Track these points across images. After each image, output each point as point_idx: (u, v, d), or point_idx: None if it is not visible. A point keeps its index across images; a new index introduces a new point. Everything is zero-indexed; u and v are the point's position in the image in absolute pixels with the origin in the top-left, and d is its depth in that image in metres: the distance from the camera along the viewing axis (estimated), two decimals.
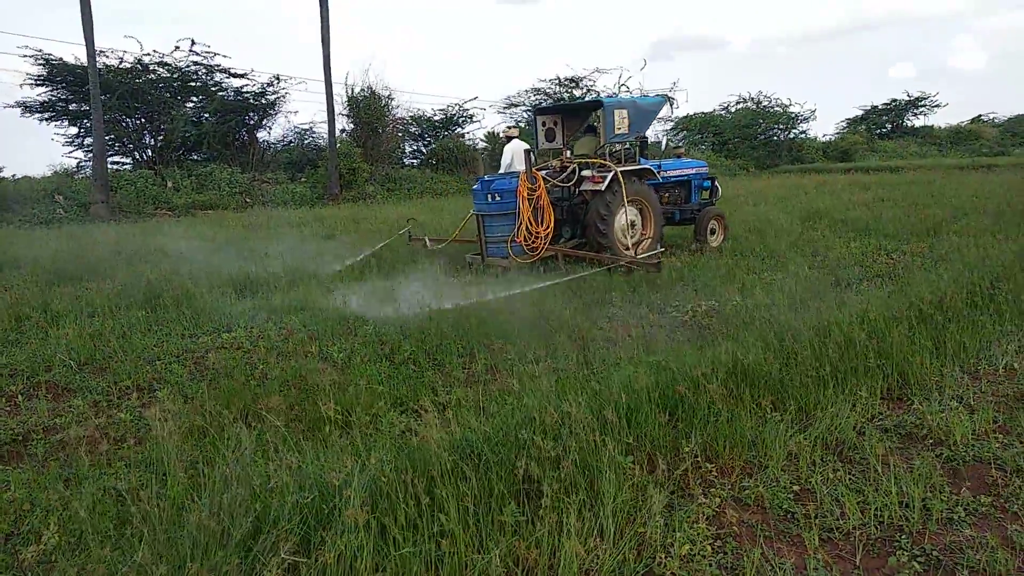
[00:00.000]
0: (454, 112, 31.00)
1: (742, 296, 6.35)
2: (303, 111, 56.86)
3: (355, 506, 2.43)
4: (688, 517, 2.83)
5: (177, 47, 23.90)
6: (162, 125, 23.91)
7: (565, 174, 9.14)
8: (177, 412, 4.13)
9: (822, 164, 32.83)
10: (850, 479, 3.14)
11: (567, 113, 10.35)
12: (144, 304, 7.22)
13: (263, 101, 26.70)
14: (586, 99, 9.78)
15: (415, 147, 31.32)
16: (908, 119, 43.71)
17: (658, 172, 9.80)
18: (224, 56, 25.76)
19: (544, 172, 9.10)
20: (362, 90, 26.21)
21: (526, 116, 32.01)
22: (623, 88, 29.89)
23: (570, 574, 2.43)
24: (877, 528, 2.78)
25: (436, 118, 30.75)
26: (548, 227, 8.55)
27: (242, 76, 25.83)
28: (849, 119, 44.38)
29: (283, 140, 28.85)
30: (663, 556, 2.58)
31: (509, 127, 10.83)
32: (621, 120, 9.09)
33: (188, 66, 24.40)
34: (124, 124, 24.13)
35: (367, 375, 4.58)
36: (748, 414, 3.56)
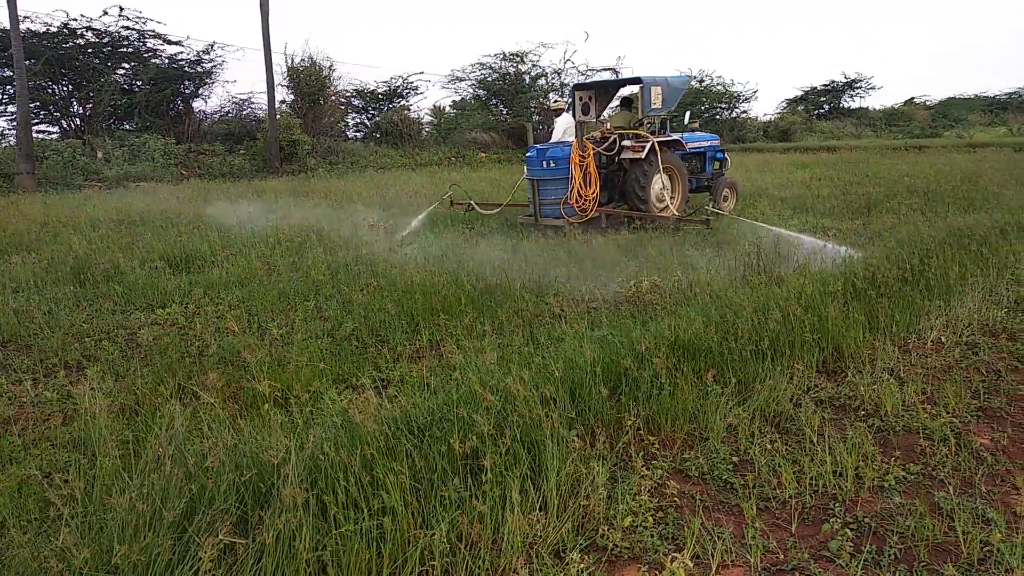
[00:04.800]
0: (398, 85, 30.46)
1: (684, 272, 6.43)
2: (241, 81, 55.26)
3: (293, 484, 2.38)
4: (630, 489, 2.86)
5: (106, 12, 22.83)
6: (91, 93, 22.84)
7: (607, 143, 9.97)
8: (107, 390, 3.98)
9: (763, 143, 33.46)
10: (787, 450, 3.22)
11: (599, 89, 10.93)
12: (72, 279, 6.92)
13: (199, 69, 25.72)
14: (625, 77, 10.91)
15: (358, 120, 30.70)
16: (845, 100, 44.84)
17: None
18: (158, 22, 24.77)
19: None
20: (302, 60, 25.53)
21: (471, 90, 31.70)
22: (568, 62, 29.82)
23: (514, 548, 2.43)
24: (812, 497, 2.86)
25: (380, 91, 30.17)
26: (595, 191, 9.49)
27: (177, 43, 24.86)
28: (789, 99, 45.24)
29: (220, 110, 27.87)
30: (606, 528, 2.60)
31: (556, 101, 11.71)
32: (656, 96, 9.95)
33: (118, 31, 23.31)
34: (50, 91, 22.98)
35: (307, 351, 4.48)
36: (690, 387, 3.61)
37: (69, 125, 23.61)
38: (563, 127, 10.95)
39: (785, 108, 44.23)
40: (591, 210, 9.53)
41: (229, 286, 6.63)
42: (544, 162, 9.71)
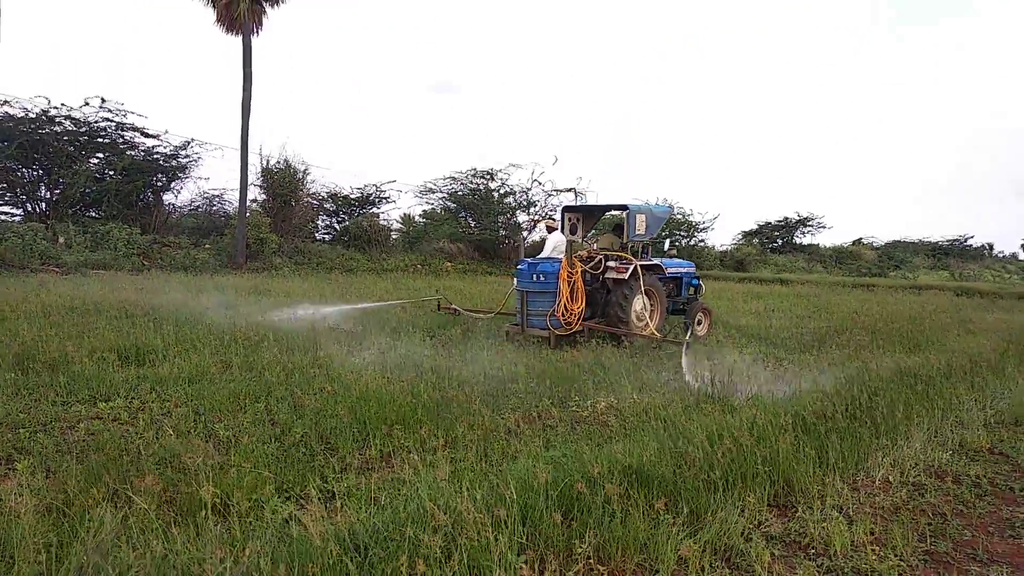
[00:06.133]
0: (371, 192, 31.14)
1: (640, 394, 6.47)
2: (215, 177, 55.74)
3: None
4: None
5: (87, 103, 23.17)
6: (61, 179, 22.86)
7: (593, 263, 10.63)
8: (36, 487, 3.79)
9: (719, 271, 34.56)
10: None
11: (586, 212, 12.00)
12: (15, 366, 6.69)
13: (174, 163, 26.04)
14: (611, 203, 12.47)
15: (328, 223, 31.09)
16: (797, 236, 46.96)
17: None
18: (139, 115, 25.04)
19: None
20: (278, 162, 26.05)
21: (441, 202, 32.49)
22: (535, 183, 30.86)
23: None
24: None
25: (353, 196, 30.78)
26: (580, 306, 10.09)
27: (155, 136, 25.19)
28: (745, 232, 47.23)
29: (191, 204, 28.08)
30: None
31: (551, 218, 12.41)
32: (641, 223, 10.84)
33: (97, 121, 23.63)
34: (19, 173, 22.95)
35: (253, 457, 4.34)
36: (641, 516, 3.56)
37: (34, 208, 23.46)
38: (553, 244, 11.57)
39: (741, 240, 46.05)
40: (576, 324, 10.03)
41: (179, 382, 6.47)
42: (534, 276, 10.31)
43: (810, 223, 46.19)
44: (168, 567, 2.55)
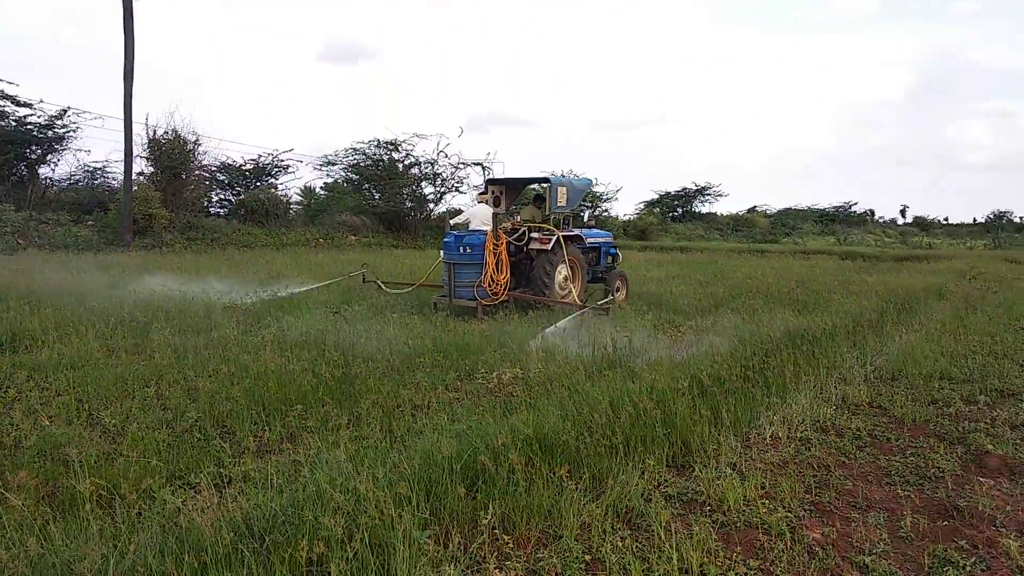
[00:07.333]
0: (267, 162, 29.97)
1: (545, 364, 6.54)
2: (97, 150, 52.16)
3: None
4: None
5: None
6: None
7: (517, 234, 10.99)
8: None
9: (622, 240, 35.34)
10: (637, 547, 3.25)
11: (510, 185, 12.27)
12: None
13: (49, 134, 24.18)
14: (534, 176, 12.67)
15: (222, 196, 29.75)
16: (696, 205, 48.59)
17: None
18: (9, 83, 22.97)
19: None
20: (165, 132, 24.57)
21: (343, 174, 31.60)
22: (442, 153, 30.48)
23: None
24: None
25: (247, 167, 29.53)
26: (506, 276, 10.55)
27: (27, 105, 23.30)
28: (646, 201, 48.47)
29: (70, 178, 26.20)
30: None
31: (481, 193, 12.42)
32: (562, 195, 11.07)
33: None
34: None
35: (141, 445, 4.13)
36: (545, 484, 3.61)
37: None
38: (478, 217, 11.72)
39: (643, 209, 47.22)
40: (502, 294, 10.47)
41: (60, 369, 6.06)
42: (460, 248, 10.60)
43: (708, 192, 47.88)
44: (45, 567, 2.39)
